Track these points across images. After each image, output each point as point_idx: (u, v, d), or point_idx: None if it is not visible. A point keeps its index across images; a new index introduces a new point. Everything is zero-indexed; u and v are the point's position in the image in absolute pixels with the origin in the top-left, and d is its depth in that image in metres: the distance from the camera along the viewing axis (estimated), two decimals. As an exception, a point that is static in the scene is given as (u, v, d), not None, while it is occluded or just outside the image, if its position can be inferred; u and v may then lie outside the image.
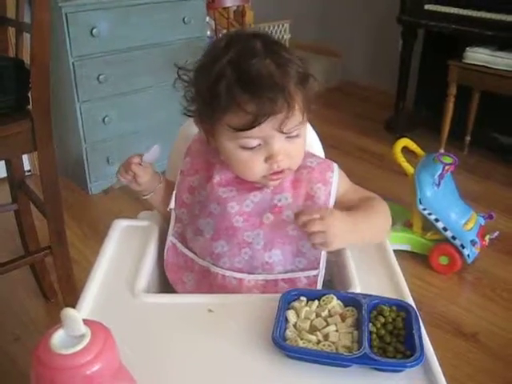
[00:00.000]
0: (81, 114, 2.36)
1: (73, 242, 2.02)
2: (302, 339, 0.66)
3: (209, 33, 2.89)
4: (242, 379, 0.63)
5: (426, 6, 2.72)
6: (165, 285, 0.90)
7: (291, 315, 0.69)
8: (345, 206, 0.85)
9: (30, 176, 2.56)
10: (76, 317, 0.50)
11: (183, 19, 2.53)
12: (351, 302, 0.71)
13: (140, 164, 0.87)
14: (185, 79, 0.84)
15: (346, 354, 0.63)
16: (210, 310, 0.73)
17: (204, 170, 0.89)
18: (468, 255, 1.91)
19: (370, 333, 0.66)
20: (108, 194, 0.94)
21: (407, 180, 2.00)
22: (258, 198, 0.85)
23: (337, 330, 0.67)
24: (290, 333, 0.67)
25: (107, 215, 2.27)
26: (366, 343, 0.63)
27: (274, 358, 0.65)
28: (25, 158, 2.36)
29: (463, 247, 1.91)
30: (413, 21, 2.82)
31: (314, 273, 0.84)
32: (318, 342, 0.66)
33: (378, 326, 0.67)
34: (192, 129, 0.94)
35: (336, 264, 0.85)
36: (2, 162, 1.66)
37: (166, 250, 0.90)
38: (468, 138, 2.85)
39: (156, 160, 0.89)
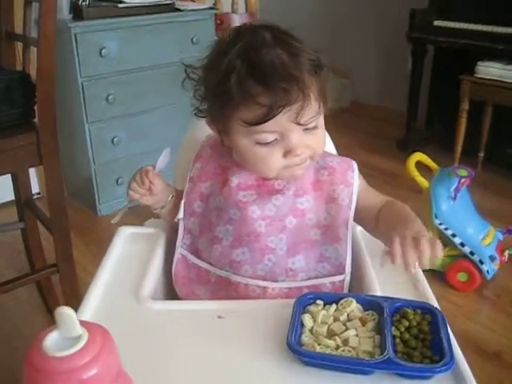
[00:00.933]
0: (90, 134, 2.35)
1: (80, 261, 1.98)
2: (319, 344, 0.61)
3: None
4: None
5: (436, 23, 2.71)
6: (173, 294, 0.85)
7: (307, 319, 0.65)
8: (362, 204, 0.82)
9: (40, 199, 2.54)
10: (72, 316, 0.46)
11: (192, 39, 2.53)
12: (371, 305, 0.66)
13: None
14: (193, 78, 0.81)
15: (368, 359, 0.58)
16: (219, 317, 0.68)
17: (218, 175, 0.85)
18: (487, 271, 1.84)
19: (394, 337, 0.61)
20: (118, 222, 0.90)
21: (420, 197, 1.95)
22: (280, 202, 0.81)
23: (357, 335, 0.62)
24: (306, 338, 0.62)
25: (116, 235, 2.24)
26: (389, 347, 0.58)
27: (288, 365, 0.60)
28: (34, 179, 2.35)
29: (482, 263, 1.84)
30: (422, 37, 2.80)
31: (339, 278, 0.80)
32: (337, 347, 0.61)
33: (402, 329, 0.62)
34: (199, 135, 0.91)
35: (354, 267, 0.80)
36: (10, 184, 1.64)
37: (174, 263, 0.85)
38: (481, 155, 2.79)
39: (167, 165, 0.86)
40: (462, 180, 1.83)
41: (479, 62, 2.50)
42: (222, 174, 0.85)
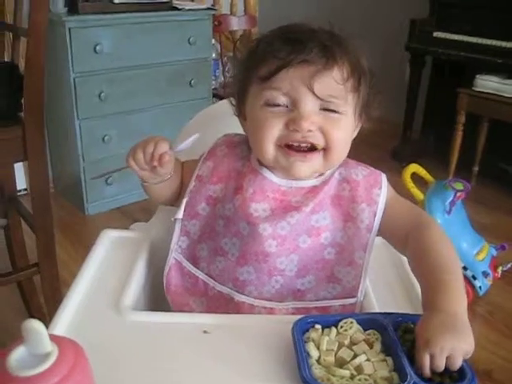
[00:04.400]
0: (80, 131, 2.30)
1: (65, 262, 1.93)
2: (333, 376, 0.55)
3: (214, 55, 2.85)
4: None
5: (435, 34, 2.69)
6: (157, 304, 0.79)
7: (312, 349, 0.59)
8: (386, 221, 0.74)
9: (26, 195, 2.48)
10: (41, 330, 0.41)
11: (188, 40, 2.49)
12: (371, 323, 0.61)
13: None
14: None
15: None
16: (205, 332, 0.63)
17: (231, 179, 0.76)
18: (480, 287, 1.81)
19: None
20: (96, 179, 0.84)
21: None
22: (295, 220, 0.72)
23: (368, 359, 0.57)
24: (316, 370, 0.56)
25: (102, 236, 2.18)
26: (410, 370, 0.54)
27: None
28: (21, 174, 2.29)
29: (475, 278, 1.81)
30: (421, 48, 2.78)
31: (350, 301, 0.73)
32: (352, 376, 0.55)
33: (409, 347, 0.58)
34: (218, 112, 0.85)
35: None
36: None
37: (167, 268, 0.77)
38: (476, 169, 2.77)
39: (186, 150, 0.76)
40: (458, 193, 1.79)
41: (477, 76, 2.47)
42: (236, 180, 0.76)
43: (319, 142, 0.69)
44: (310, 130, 0.68)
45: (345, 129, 0.72)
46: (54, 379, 0.40)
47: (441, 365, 0.56)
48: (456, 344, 0.56)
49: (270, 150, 0.71)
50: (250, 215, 0.72)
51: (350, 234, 0.73)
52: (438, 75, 2.99)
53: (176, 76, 2.50)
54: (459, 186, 1.81)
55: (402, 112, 3.02)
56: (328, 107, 0.69)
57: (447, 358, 0.56)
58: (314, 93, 0.67)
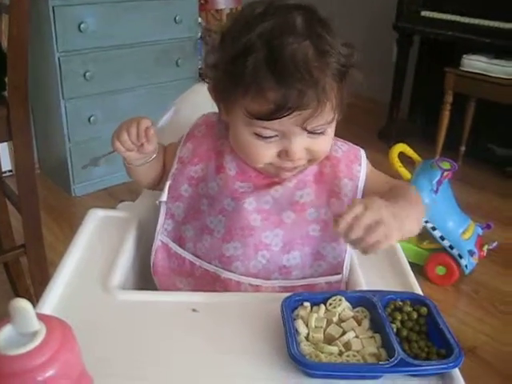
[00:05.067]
0: (65, 111, 2.27)
1: (52, 243, 1.92)
2: (322, 352, 0.56)
3: (200, 34, 2.81)
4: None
5: (423, 13, 2.68)
6: (146, 282, 0.80)
7: (301, 326, 0.59)
8: (366, 189, 0.76)
9: (12, 176, 2.46)
10: (28, 309, 0.41)
11: (174, 18, 2.45)
12: (360, 301, 0.62)
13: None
14: (208, 41, 0.75)
15: (382, 363, 0.54)
16: (194, 310, 0.64)
17: (211, 159, 0.77)
18: (466, 266, 1.84)
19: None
20: (87, 167, 0.84)
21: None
22: (279, 194, 0.74)
23: (357, 336, 0.58)
24: (305, 347, 0.57)
25: (89, 217, 2.17)
26: (397, 347, 0.55)
27: (274, 369, 0.55)
28: (6, 155, 2.27)
29: (461, 257, 1.83)
30: (409, 27, 2.76)
31: (336, 278, 0.75)
32: (341, 352, 0.56)
33: (398, 324, 0.59)
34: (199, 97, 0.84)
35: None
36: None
37: (153, 251, 0.79)
38: (463, 149, 2.78)
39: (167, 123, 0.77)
40: (445, 173, 1.81)
41: (465, 55, 2.48)
42: (216, 159, 0.77)
43: (306, 159, 0.72)
44: (299, 158, 0.70)
45: (329, 141, 0.74)
46: (42, 358, 0.40)
47: (366, 221, 0.58)
48: (389, 220, 0.59)
49: (259, 166, 0.73)
50: (236, 191, 0.74)
51: (333, 210, 0.75)
52: (425, 55, 2.98)
53: (162, 55, 2.47)
54: (446, 165, 1.83)
55: (389, 92, 3.02)
56: (316, 132, 0.69)
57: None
58: (306, 130, 0.67)
